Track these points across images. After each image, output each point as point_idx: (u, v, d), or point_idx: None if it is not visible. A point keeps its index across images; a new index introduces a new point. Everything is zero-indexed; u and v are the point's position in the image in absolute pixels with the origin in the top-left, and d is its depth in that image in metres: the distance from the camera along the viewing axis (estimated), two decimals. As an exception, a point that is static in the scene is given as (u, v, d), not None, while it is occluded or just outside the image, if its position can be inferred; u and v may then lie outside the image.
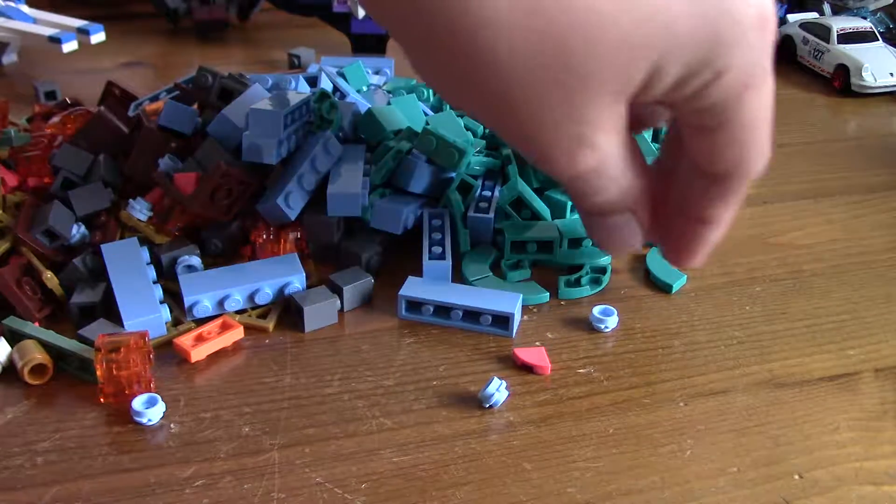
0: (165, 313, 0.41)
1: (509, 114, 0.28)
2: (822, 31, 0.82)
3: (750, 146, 0.31)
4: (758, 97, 0.30)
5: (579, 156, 0.29)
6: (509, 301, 0.43)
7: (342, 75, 0.61)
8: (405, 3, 0.26)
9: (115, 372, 0.37)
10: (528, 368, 0.40)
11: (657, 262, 0.48)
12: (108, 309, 0.42)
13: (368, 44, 0.80)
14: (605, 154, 0.29)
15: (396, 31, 0.29)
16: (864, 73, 0.76)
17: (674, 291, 0.46)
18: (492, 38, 0.26)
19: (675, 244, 0.34)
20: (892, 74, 0.76)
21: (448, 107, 0.58)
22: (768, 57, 0.29)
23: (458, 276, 0.46)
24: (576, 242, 0.48)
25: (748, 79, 0.29)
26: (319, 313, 0.43)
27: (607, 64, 0.27)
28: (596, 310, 0.43)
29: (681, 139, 0.32)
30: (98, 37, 0.73)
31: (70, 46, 0.72)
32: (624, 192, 0.31)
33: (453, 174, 0.49)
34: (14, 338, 0.40)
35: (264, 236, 0.46)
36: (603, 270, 0.47)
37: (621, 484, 0.34)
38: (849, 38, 0.80)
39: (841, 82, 0.77)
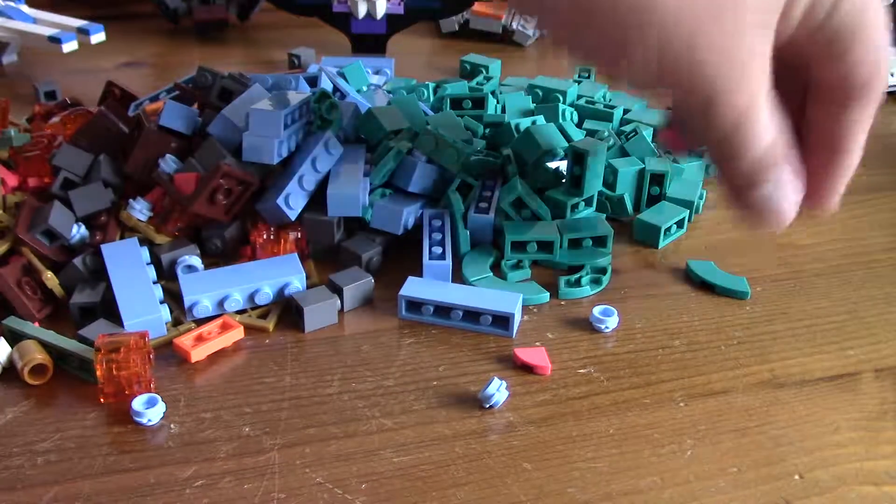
0: (165, 313, 0.41)
1: (669, 45, 0.29)
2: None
3: (878, 59, 0.32)
4: (876, 13, 0.31)
5: (741, 85, 0.29)
6: (509, 301, 0.43)
7: (342, 75, 0.61)
8: None
9: (115, 372, 0.37)
10: (528, 368, 0.40)
11: (702, 269, 0.48)
12: (108, 309, 0.42)
13: (368, 44, 0.80)
14: (758, 91, 0.30)
15: (559, 21, 0.30)
16: (864, 74, 0.75)
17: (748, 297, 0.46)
18: None
19: (816, 184, 0.34)
20: (892, 74, 0.76)
21: (448, 107, 0.58)
22: None
23: (459, 277, 0.46)
24: (576, 242, 0.48)
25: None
26: (319, 313, 0.43)
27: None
28: (596, 310, 0.43)
29: (794, 89, 0.33)
30: (98, 37, 0.73)
31: (70, 46, 0.72)
32: (771, 143, 0.31)
33: (453, 174, 0.49)
34: (14, 338, 0.40)
35: (264, 236, 0.46)
36: (603, 271, 0.47)
37: (621, 484, 0.34)
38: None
39: (841, 82, 0.77)
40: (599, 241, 0.48)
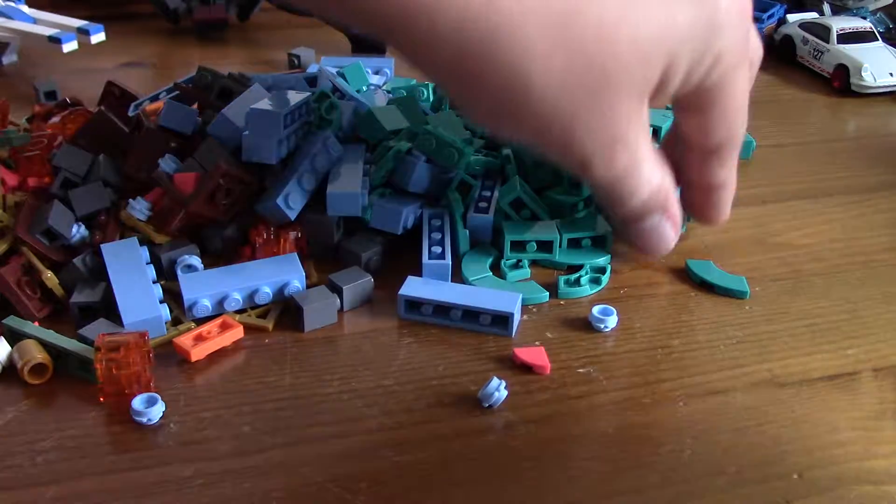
0: (165, 313, 0.41)
1: (548, 130, 0.31)
2: (822, 31, 0.82)
3: (738, 118, 0.35)
4: (742, 73, 0.34)
5: (616, 154, 0.32)
6: (509, 301, 0.43)
7: (342, 75, 0.61)
8: (447, 51, 0.29)
9: (114, 371, 0.37)
10: (527, 368, 0.40)
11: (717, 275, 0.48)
12: (108, 309, 0.42)
13: (368, 44, 0.80)
14: (637, 151, 0.33)
15: (438, 78, 0.32)
16: (863, 73, 0.76)
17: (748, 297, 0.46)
18: (527, 69, 0.29)
19: (699, 211, 0.38)
20: (891, 74, 0.76)
21: (447, 106, 0.58)
22: (747, 34, 0.34)
23: (458, 276, 0.46)
24: (575, 242, 0.48)
25: (737, 58, 0.33)
26: (319, 313, 0.43)
27: (629, 65, 0.30)
28: (596, 310, 0.43)
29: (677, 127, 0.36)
30: (98, 37, 0.73)
31: (70, 46, 0.72)
32: (655, 189, 0.34)
33: (453, 174, 0.49)
34: (14, 338, 0.40)
35: (264, 236, 0.46)
36: (603, 270, 0.47)
37: (621, 483, 0.34)
38: (848, 38, 0.80)
39: (841, 82, 0.78)
40: (598, 241, 0.48)
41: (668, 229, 0.36)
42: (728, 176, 0.37)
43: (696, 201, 0.38)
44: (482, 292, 0.43)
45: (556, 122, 0.31)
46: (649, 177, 0.34)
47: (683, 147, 0.37)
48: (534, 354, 0.40)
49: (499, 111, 0.32)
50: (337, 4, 0.30)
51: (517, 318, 0.43)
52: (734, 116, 0.35)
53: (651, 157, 0.34)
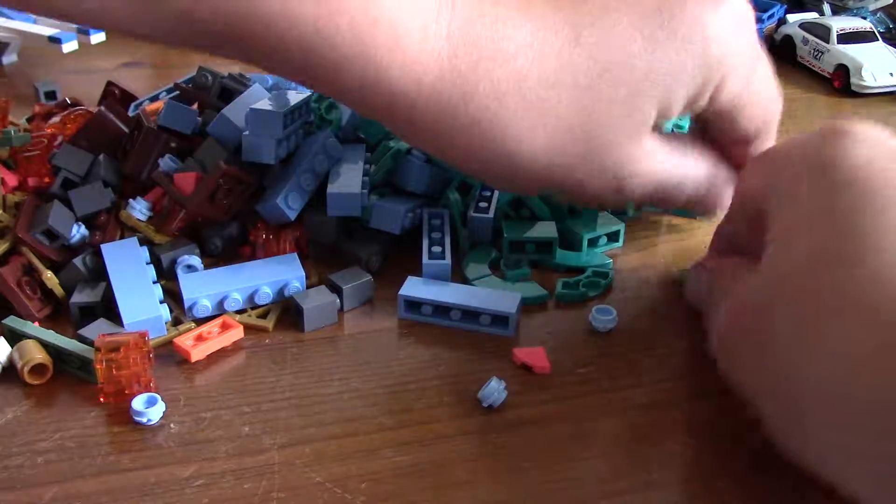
0: (165, 313, 0.41)
1: (548, 184, 0.35)
2: (822, 31, 0.82)
3: (768, 108, 0.39)
4: (761, 75, 0.37)
5: (630, 186, 0.36)
6: (509, 301, 0.43)
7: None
8: (459, 137, 0.33)
9: (114, 372, 0.37)
10: (527, 368, 0.40)
11: None
12: (108, 309, 0.42)
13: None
14: (652, 173, 0.36)
15: (448, 158, 0.36)
16: (863, 73, 0.76)
17: None
18: (512, 148, 0.33)
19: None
20: (891, 74, 0.76)
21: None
22: (754, 39, 0.36)
23: (458, 276, 0.46)
24: (575, 243, 0.48)
25: (748, 69, 0.35)
26: (319, 313, 0.43)
27: (613, 121, 0.33)
28: (595, 309, 0.43)
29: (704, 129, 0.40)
30: (98, 37, 0.73)
31: (70, 46, 0.72)
32: (700, 180, 0.38)
33: (453, 174, 0.49)
34: (14, 338, 0.40)
35: (264, 236, 0.46)
36: (605, 275, 0.47)
37: (621, 483, 0.34)
38: (849, 38, 0.80)
39: (841, 82, 0.78)
40: (612, 237, 0.50)
41: (725, 191, 0.40)
42: (766, 144, 0.40)
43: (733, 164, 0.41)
44: (482, 292, 0.43)
45: (555, 178, 0.34)
46: (686, 175, 0.37)
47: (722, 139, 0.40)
48: (534, 355, 0.40)
49: (492, 176, 0.36)
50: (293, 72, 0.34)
51: (517, 317, 0.43)
52: (765, 109, 0.38)
53: (673, 160, 0.37)
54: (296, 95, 0.48)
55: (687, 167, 0.38)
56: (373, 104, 0.33)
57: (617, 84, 0.32)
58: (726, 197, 0.40)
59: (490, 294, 0.43)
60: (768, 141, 0.40)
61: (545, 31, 0.32)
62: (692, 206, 0.40)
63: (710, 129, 0.39)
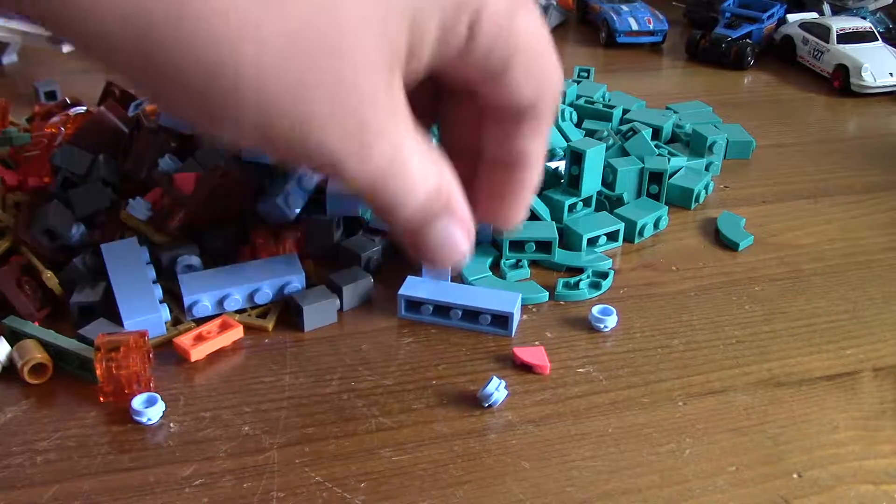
0: (165, 313, 0.41)
1: (276, 125, 0.25)
2: (822, 31, 0.82)
3: (545, 68, 0.30)
4: (530, 18, 0.28)
5: (369, 143, 0.26)
6: (508, 300, 0.43)
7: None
8: (124, 39, 0.22)
9: (114, 371, 0.37)
10: (527, 368, 0.40)
11: (727, 222, 0.52)
12: (108, 309, 0.42)
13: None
14: (398, 140, 0.27)
15: (123, 74, 0.24)
16: (863, 73, 0.76)
17: (740, 250, 0.50)
18: (233, 51, 0.23)
19: (493, 202, 0.32)
20: (891, 74, 0.76)
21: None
22: None
23: (458, 276, 0.46)
24: (575, 243, 0.48)
25: (509, 4, 0.27)
26: (319, 313, 0.43)
27: (359, 33, 0.24)
28: (595, 309, 0.43)
29: (460, 109, 0.31)
30: (98, 37, 0.73)
31: (70, 46, 0.72)
32: (433, 189, 0.29)
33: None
34: (14, 337, 0.40)
35: (264, 236, 0.46)
36: (605, 276, 0.47)
37: (620, 483, 0.34)
38: (848, 38, 0.80)
39: (840, 82, 0.78)
40: (612, 237, 0.50)
41: (458, 235, 0.30)
42: (537, 150, 0.31)
43: (491, 187, 0.32)
44: (482, 292, 0.43)
45: (285, 114, 0.25)
46: (422, 173, 0.28)
47: (486, 122, 0.31)
48: (534, 354, 0.40)
49: (209, 111, 0.25)
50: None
51: (517, 317, 0.43)
52: (539, 68, 0.29)
53: (421, 148, 0.28)
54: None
55: (429, 154, 0.29)
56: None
57: None
58: (464, 237, 0.30)
59: (490, 294, 0.43)
60: (539, 126, 0.31)
61: None
62: (416, 227, 0.30)
63: (463, 106, 0.31)
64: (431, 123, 0.35)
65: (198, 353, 0.40)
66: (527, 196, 0.33)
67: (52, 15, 0.22)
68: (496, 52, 0.28)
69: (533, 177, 0.32)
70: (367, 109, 0.25)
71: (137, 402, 0.36)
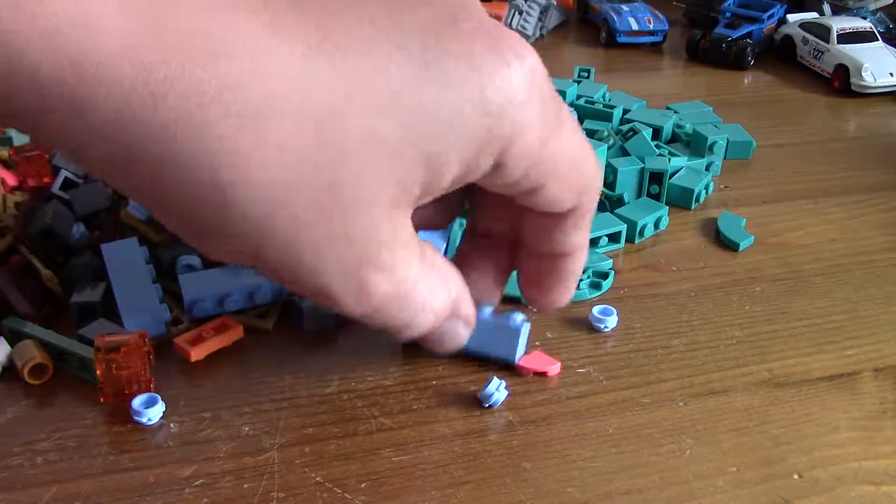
0: (165, 313, 0.41)
1: (262, 252, 0.24)
2: (822, 31, 0.82)
3: (584, 175, 0.29)
4: (566, 135, 0.28)
5: (368, 280, 0.25)
6: (510, 340, 0.39)
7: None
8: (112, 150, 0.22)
9: (114, 371, 0.37)
10: (539, 374, 0.39)
11: (728, 222, 0.52)
12: (108, 309, 0.42)
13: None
14: (400, 274, 0.26)
15: (149, 200, 0.24)
16: (863, 73, 0.76)
17: (740, 250, 0.50)
18: (226, 176, 0.22)
19: (541, 289, 0.33)
20: (891, 74, 0.76)
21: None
22: (551, 98, 0.27)
23: (458, 276, 0.46)
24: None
25: (542, 132, 0.27)
26: (319, 313, 0.43)
27: (367, 169, 0.23)
28: (595, 309, 0.43)
29: (492, 197, 0.30)
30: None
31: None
32: (442, 313, 0.29)
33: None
34: (14, 338, 0.40)
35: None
36: (605, 276, 0.47)
37: (621, 483, 0.34)
38: (849, 38, 0.80)
39: (841, 82, 0.78)
40: (613, 238, 0.50)
41: (461, 329, 0.31)
42: (580, 241, 0.31)
43: (539, 276, 0.33)
44: (481, 323, 0.37)
45: (271, 241, 0.24)
46: (430, 296, 0.28)
47: (526, 216, 0.31)
48: (538, 360, 0.40)
49: (194, 229, 0.24)
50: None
51: (520, 353, 0.40)
52: (578, 177, 0.29)
53: (427, 271, 0.27)
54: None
55: (439, 274, 0.29)
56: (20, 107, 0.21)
57: (369, 114, 0.23)
58: (465, 331, 0.32)
59: (489, 327, 0.38)
60: (583, 220, 0.30)
61: (273, 28, 0.22)
62: (422, 338, 0.31)
63: (496, 195, 0.29)
64: (461, 210, 0.35)
65: (198, 354, 0.40)
66: (572, 283, 0.33)
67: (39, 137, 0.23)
68: (529, 178, 0.27)
69: (578, 265, 0.32)
70: (367, 247, 0.25)
71: (137, 403, 0.36)
